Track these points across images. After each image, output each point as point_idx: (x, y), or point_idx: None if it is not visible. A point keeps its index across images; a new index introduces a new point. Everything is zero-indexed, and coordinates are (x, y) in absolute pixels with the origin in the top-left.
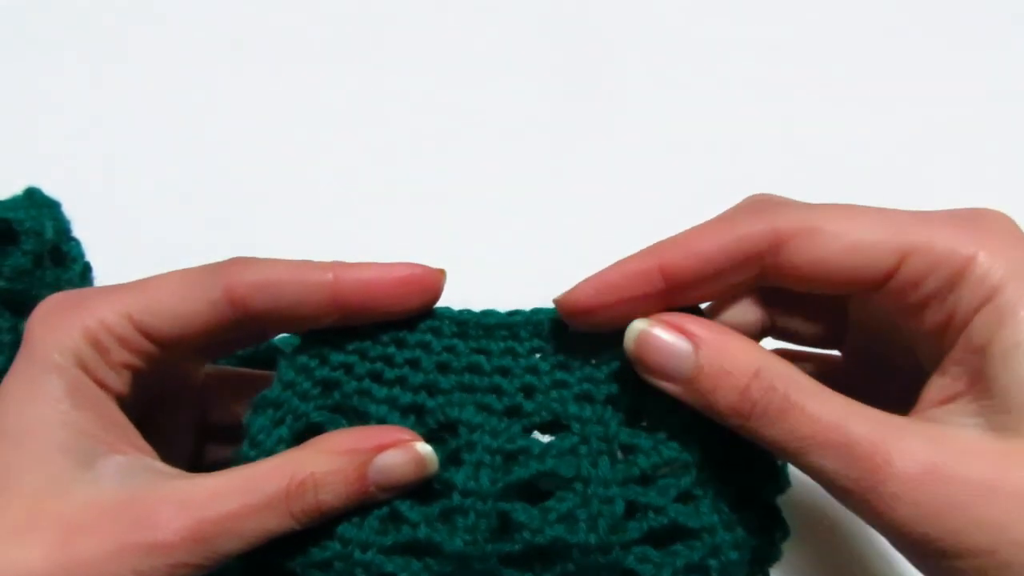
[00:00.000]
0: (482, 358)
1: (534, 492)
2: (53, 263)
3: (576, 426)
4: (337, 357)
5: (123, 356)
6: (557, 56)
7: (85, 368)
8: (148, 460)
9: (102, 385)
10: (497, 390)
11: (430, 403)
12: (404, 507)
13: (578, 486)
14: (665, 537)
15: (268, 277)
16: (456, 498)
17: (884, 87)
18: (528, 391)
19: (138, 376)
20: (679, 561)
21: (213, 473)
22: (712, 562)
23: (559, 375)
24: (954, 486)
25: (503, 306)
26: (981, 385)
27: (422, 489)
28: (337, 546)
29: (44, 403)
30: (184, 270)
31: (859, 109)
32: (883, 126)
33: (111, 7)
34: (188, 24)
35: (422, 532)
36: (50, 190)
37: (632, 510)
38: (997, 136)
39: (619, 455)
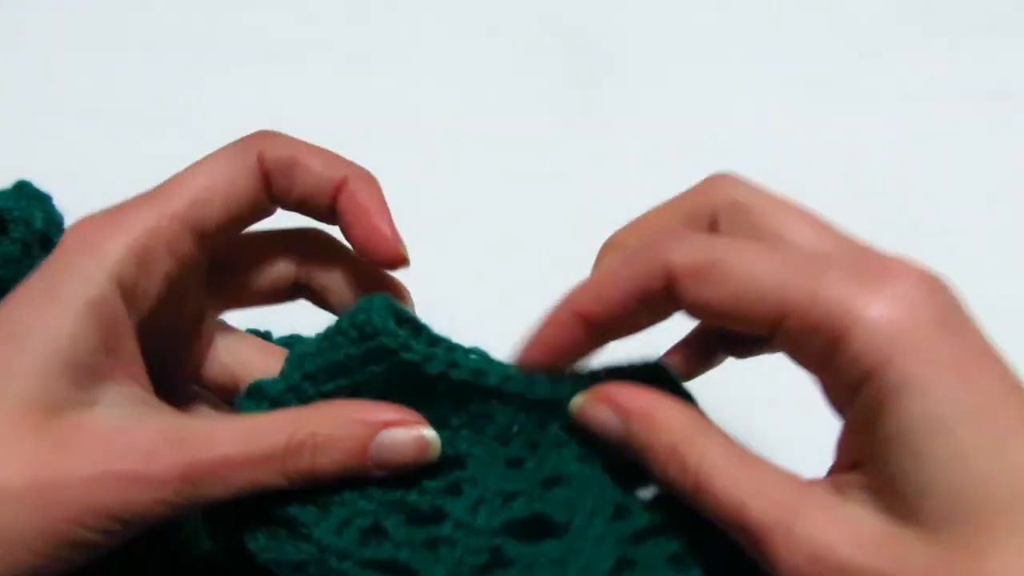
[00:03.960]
0: (495, 404)
1: (524, 538)
2: (43, 252)
3: (576, 482)
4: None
5: (166, 265)
6: (557, 56)
7: (120, 284)
8: (148, 396)
9: (130, 305)
10: (503, 439)
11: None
12: (390, 523)
13: (571, 535)
14: None
15: (294, 156)
16: (448, 528)
17: (888, 88)
18: (533, 446)
19: (165, 301)
20: None
21: (213, 417)
22: None
23: (561, 435)
24: (834, 574)
25: (502, 304)
26: (871, 463)
27: (414, 512)
28: (313, 550)
29: (61, 310)
30: (213, 156)
31: (863, 109)
32: (887, 127)
33: (111, 4)
34: (189, 22)
35: (403, 555)
36: (48, 188)
37: (622, 567)
38: (996, 135)
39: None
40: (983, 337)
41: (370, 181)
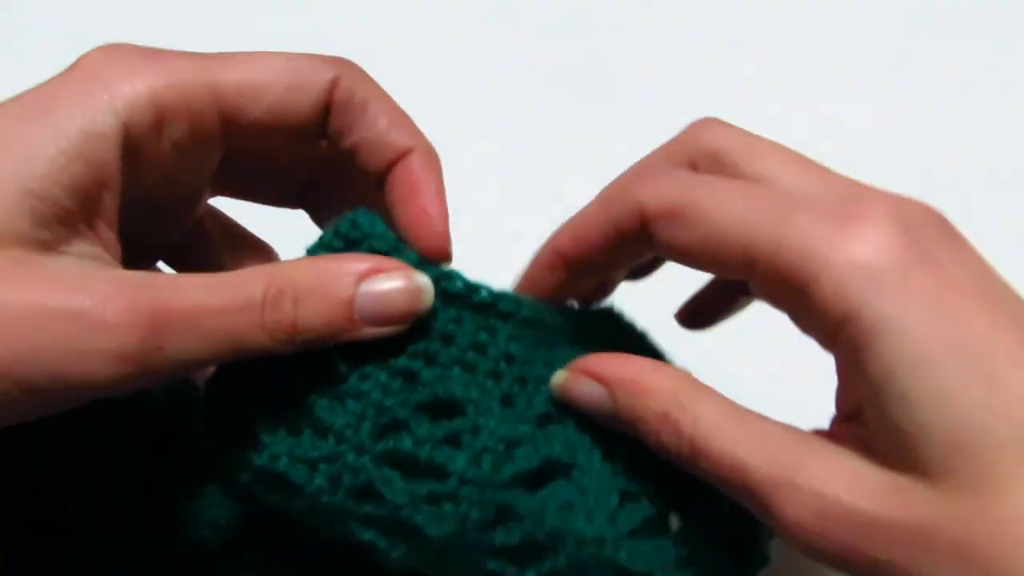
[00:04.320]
0: (487, 336)
1: (532, 487)
2: None
3: (569, 415)
4: None
5: (181, 133)
6: (557, 52)
7: (126, 132)
8: (110, 259)
9: (126, 161)
10: (495, 375)
11: (426, 373)
12: (383, 480)
13: (576, 475)
14: (656, 529)
15: (368, 101)
16: (452, 484)
17: (890, 87)
18: (522, 381)
19: (163, 172)
20: (669, 556)
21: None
22: (700, 560)
23: (547, 371)
24: (842, 527)
25: None
26: (864, 412)
27: (411, 464)
28: (306, 504)
29: (49, 133)
30: (285, 55)
31: (865, 109)
32: (889, 126)
33: (111, 4)
34: (189, 22)
35: (405, 512)
36: None
37: (625, 500)
38: (1003, 134)
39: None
40: (974, 266)
41: (434, 160)
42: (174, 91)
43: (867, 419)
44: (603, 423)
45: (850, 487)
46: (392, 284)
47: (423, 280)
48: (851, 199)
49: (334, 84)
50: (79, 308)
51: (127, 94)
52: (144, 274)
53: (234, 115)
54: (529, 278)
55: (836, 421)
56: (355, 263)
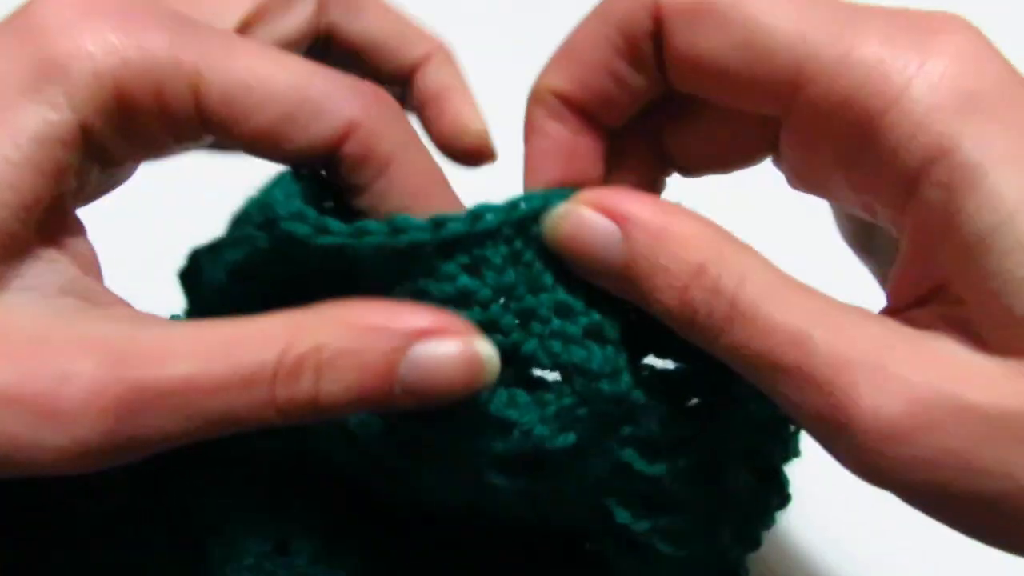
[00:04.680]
0: (468, 274)
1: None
2: None
3: (579, 381)
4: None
5: (146, 130)
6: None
7: (85, 130)
8: (89, 284)
9: (89, 160)
10: (490, 324)
11: None
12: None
13: (579, 455)
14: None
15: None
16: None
17: None
18: (526, 317)
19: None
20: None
21: (169, 321)
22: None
23: (563, 296)
24: (944, 424)
25: None
26: (951, 287)
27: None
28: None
29: (0, 140)
30: (301, 69)
31: None
32: None
33: None
34: None
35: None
36: None
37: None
38: None
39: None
40: None
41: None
42: (145, 82)
43: (961, 292)
44: (600, 271)
45: (953, 375)
46: (450, 351)
47: (486, 350)
48: (915, 13)
49: (348, 130)
50: (28, 391)
51: (87, 86)
52: (121, 332)
53: (213, 122)
54: (534, 140)
55: (897, 311)
56: (404, 319)
